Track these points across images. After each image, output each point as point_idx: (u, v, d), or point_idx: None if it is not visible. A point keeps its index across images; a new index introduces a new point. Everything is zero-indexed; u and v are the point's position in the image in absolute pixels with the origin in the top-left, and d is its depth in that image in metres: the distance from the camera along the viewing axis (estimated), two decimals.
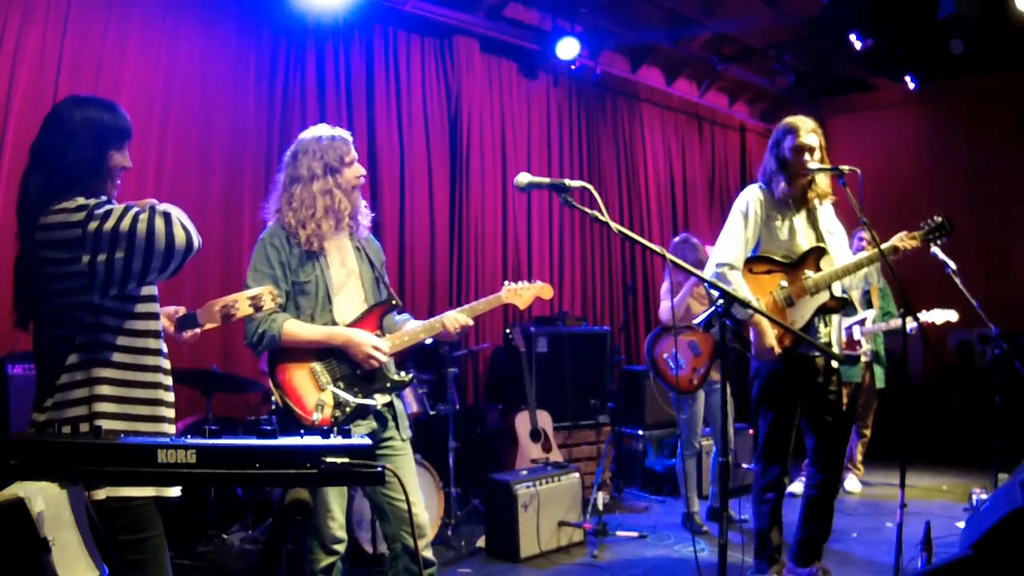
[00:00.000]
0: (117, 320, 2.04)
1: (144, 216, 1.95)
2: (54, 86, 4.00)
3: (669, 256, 2.32)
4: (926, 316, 5.08)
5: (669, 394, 5.18)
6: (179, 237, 1.97)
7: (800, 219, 3.51)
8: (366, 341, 2.66)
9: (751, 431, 5.25)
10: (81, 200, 1.98)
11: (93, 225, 1.92)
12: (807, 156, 3.41)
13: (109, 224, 1.92)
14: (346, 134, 2.80)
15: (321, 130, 2.79)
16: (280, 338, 2.61)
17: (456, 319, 2.83)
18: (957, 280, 3.75)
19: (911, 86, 7.45)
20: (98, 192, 2.06)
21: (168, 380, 2.17)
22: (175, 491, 2.10)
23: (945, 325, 5.11)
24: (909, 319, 4.77)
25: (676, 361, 4.76)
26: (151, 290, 2.14)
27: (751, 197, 3.53)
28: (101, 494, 1.92)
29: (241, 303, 2.26)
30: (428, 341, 3.33)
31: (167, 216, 1.97)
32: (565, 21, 6.06)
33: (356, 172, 2.78)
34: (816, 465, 3.56)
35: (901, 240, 3.40)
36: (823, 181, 3.51)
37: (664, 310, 5.03)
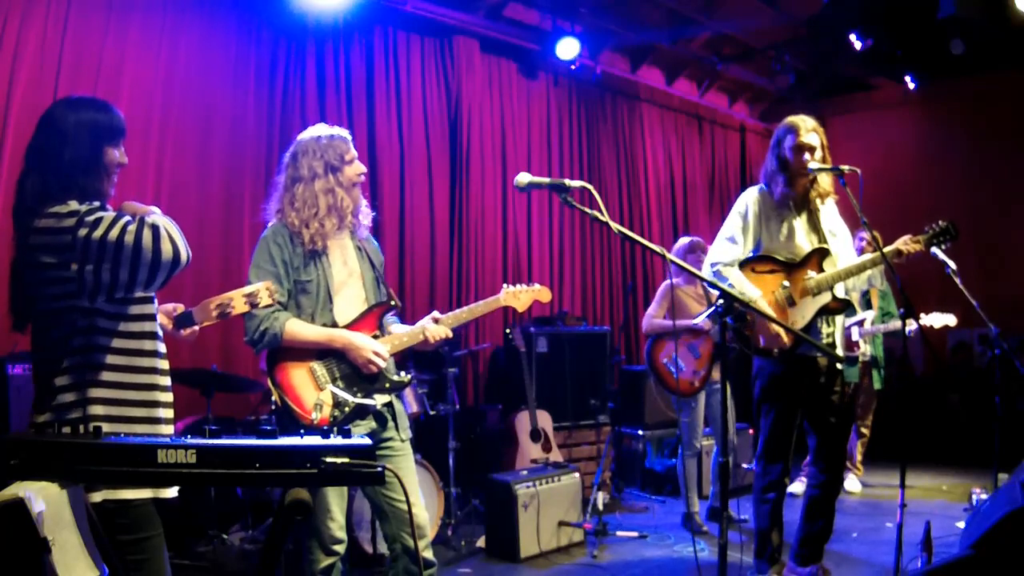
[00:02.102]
0: (111, 323, 2.04)
1: (132, 227, 1.94)
2: (54, 86, 4.00)
3: (669, 256, 2.33)
4: (925, 320, 5.08)
5: (670, 397, 5.17)
6: (166, 251, 1.96)
7: (802, 220, 3.51)
8: (367, 346, 2.66)
9: (751, 431, 5.26)
10: (74, 204, 1.97)
11: (83, 232, 1.92)
12: (808, 155, 3.41)
13: (98, 233, 1.92)
14: (344, 132, 2.81)
15: (320, 130, 2.79)
16: (281, 336, 2.61)
17: (437, 332, 2.80)
18: (957, 280, 3.75)
19: (911, 86, 7.45)
20: (95, 191, 2.06)
21: (165, 381, 2.17)
22: (172, 492, 2.09)
23: (944, 327, 5.12)
24: (909, 321, 4.78)
25: (676, 365, 4.76)
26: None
27: (750, 199, 3.54)
28: (98, 497, 1.91)
29: (237, 300, 2.25)
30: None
31: (155, 229, 1.97)
32: (565, 21, 6.06)
33: (357, 170, 2.79)
34: (819, 465, 3.56)
35: (905, 244, 3.40)
36: (824, 180, 3.51)
37: (645, 322, 5.03)
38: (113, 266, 1.93)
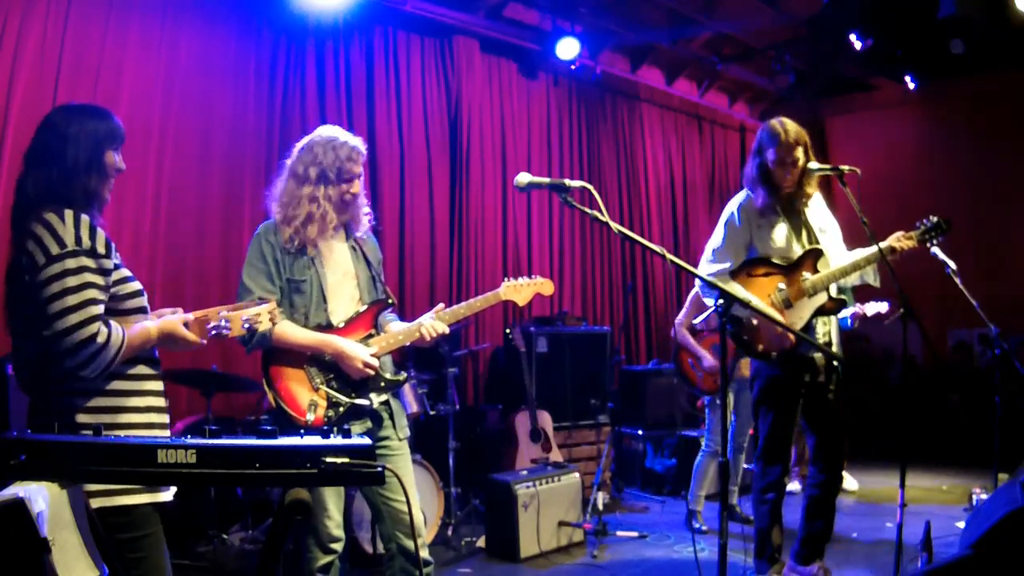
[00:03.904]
0: None
1: (78, 340, 1.91)
2: (54, 86, 4.00)
3: (670, 256, 2.32)
4: (860, 308, 5.07)
5: (700, 396, 5.19)
6: (74, 365, 1.94)
7: (790, 222, 3.49)
8: (358, 356, 2.63)
9: (751, 431, 5.26)
10: (70, 223, 1.96)
11: (50, 277, 1.92)
12: (790, 174, 3.40)
13: (57, 306, 1.91)
14: (360, 145, 2.74)
15: (335, 132, 2.73)
16: (271, 337, 2.60)
17: (433, 328, 2.74)
18: (957, 280, 3.75)
19: (911, 86, 7.44)
20: (94, 193, 2.06)
21: (156, 385, 2.14)
22: (168, 495, 2.07)
23: (878, 315, 5.06)
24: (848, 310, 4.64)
25: (701, 364, 4.80)
26: (140, 301, 2.13)
27: (736, 207, 3.55)
28: (95, 503, 1.90)
29: (235, 324, 2.18)
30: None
31: (90, 361, 1.94)
32: (565, 21, 6.06)
33: (351, 189, 2.72)
34: (818, 465, 3.56)
35: (898, 240, 3.39)
36: (809, 183, 3.49)
37: (676, 327, 5.05)
38: (49, 338, 1.93)
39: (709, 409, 4.92)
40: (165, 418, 2.17)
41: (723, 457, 2.50)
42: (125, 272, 2.11)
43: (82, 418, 1.98)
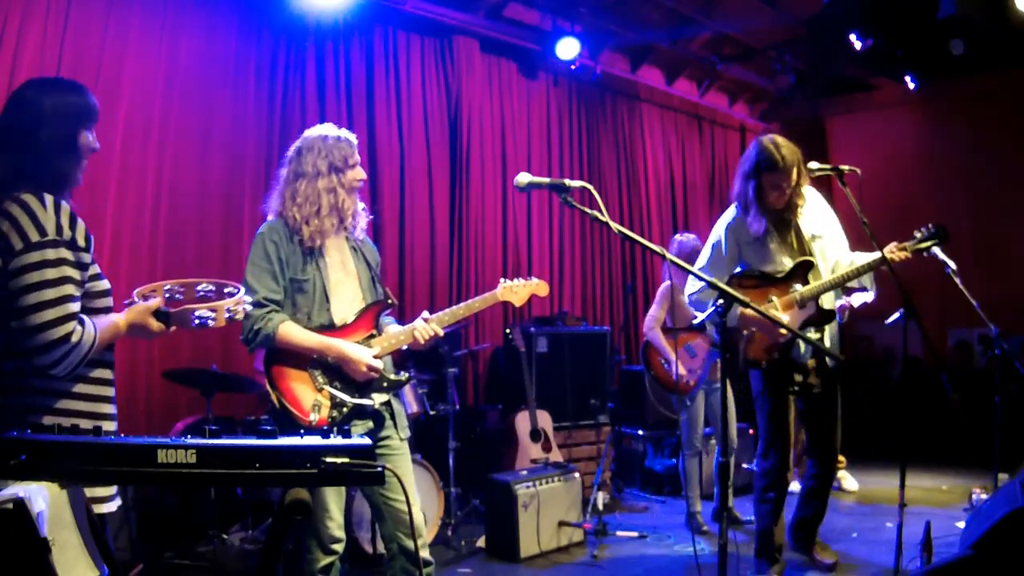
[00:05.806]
0: None
1: (53, 337, 1.83)
2: None
3: (669, 256, 2.32)
4: (847, 300, 5.06)
5: (668, 396, 5.19)
6: (44, 364, 1.87)
7: (783, 235, 3.50)
8: (362, 359, 2.65)
9: (751, 431, 5.26)
10: (51, 209, 1.88)
11: (28, 265, 1.83)
12: (785, 195, 3.40)
13: (33, 298, 1.83)
14: (351, 136, 2.82)
15: (327, 129, 2.81)
16: (274, 337, 2.61)
17: (426, 330, 2.77)
18: (957, 280, 3.75)
19: (911, 86, 7.44)
20: (67, 176, 1.99)
21: (108, 391, 2.07)
22: (112, 507, 2.01)
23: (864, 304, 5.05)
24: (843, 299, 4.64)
25: (671, 362, 4.80)
26: (107, 301, 2.08)
27: (723, 229, 3.56)
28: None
29: (219, 314, 2.12)
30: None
31: (62, 360, 1.87)
32: (565, 21, 6.06)
33: (358, 175, 2.80)
34: (812, 460, 3.67)
35: (891, 252, 3.39)
36: (799, 195, 3.49)
37: (646, 323, 5.06)
38: (20, 334, 1.84)
39: (683, 410, 4.91)
40: (112, 425, 2.09)
41: (723, 457, 2.50)
42: (97, 268, 2.05)
43: (41, 418, 1.91)
